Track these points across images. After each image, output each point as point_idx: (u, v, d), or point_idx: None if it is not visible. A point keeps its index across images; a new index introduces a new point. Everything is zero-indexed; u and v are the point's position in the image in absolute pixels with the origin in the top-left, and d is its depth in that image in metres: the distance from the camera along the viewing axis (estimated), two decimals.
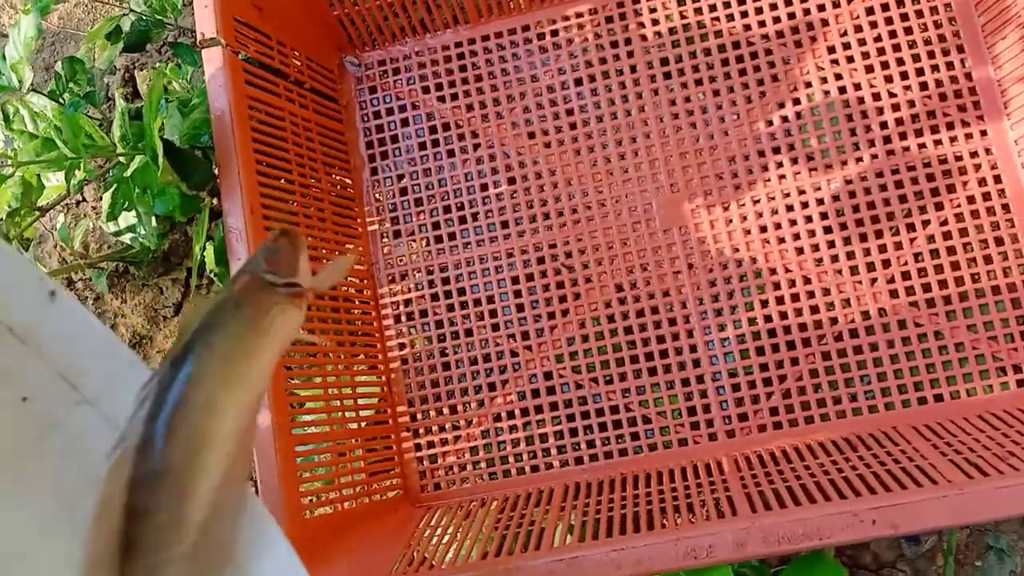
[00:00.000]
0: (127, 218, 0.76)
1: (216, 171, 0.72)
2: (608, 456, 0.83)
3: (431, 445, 0.86)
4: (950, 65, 0.82)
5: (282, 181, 0.79)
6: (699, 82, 0.87)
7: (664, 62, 0.87)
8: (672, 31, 0.88)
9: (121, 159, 0.73)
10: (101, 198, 0.79)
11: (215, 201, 0.76)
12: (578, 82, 0.89)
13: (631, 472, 0.81)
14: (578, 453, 0.83)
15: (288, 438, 0.71)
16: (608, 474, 0.82)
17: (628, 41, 0.88)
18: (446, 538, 0.75)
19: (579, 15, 0.90)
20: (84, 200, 0.98)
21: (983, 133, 0.81)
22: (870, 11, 0.84)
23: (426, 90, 0.92)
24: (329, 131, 0.89)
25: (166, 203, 0.72)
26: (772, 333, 0.82)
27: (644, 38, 0.88)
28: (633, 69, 0.88)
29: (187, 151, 0.73)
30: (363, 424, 0.83)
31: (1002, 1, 0.77)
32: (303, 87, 0.87)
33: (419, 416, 0.87)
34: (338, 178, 0.90)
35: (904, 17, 0.84)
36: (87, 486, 0.34)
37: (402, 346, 0.88)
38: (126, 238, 0.80)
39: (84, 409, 0.36)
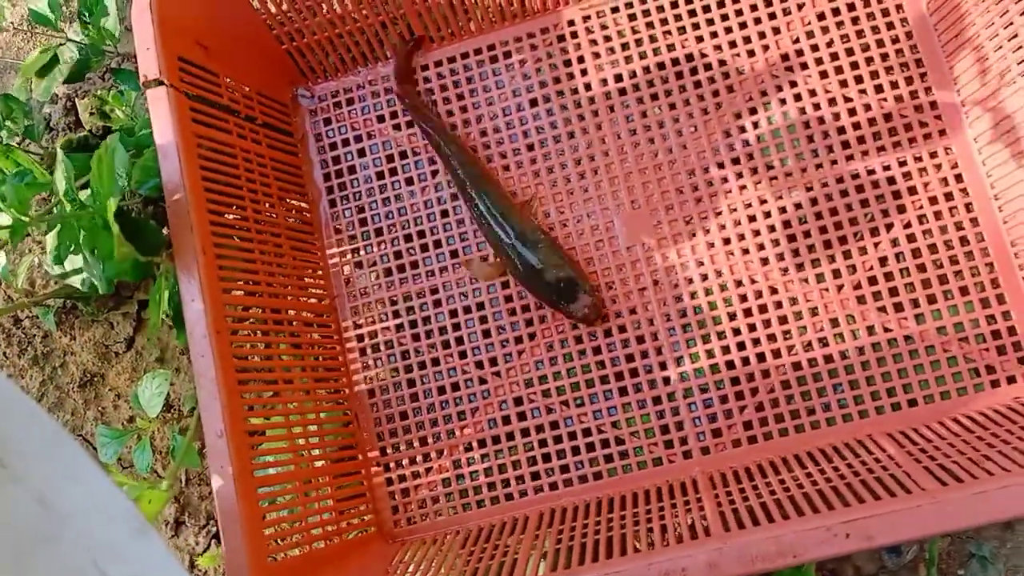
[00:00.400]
0: (74, 260, 0.75)
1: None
2: (583, 480, 0.81)
3: (402, 479, 0.85)
4: (904, 67, 0.82)
5: (234, 219, 0.78)
6: (654, 96, 0.86)
7: (618, 78, 0.87)
8: (624, 46, 0.87)
9: (66, 203, 0.71)
10: (46, 234, 0.77)
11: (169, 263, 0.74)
12: (533, 103, 0.88)
13: (606, 495, 0.80)
14: (552, 479, 0.82)
15: (249, 481, 0.70)
16: (583, 498, 0.80)
17: (581, 59, 0.88)
18: (420, 575, 0.73)
19: (531, 35, 0.89)
20: (28, 234, 0.96)
21: (942, 133, 0.80)
22: (821, 16, 0.84)
23: (381, 119, 0.91)
24: (284, 164, 0.88)
25: (117, 268, 0.70)
26: (742, 346, 0.81)
27: (597, 55, 0.87)
28: (588, 87, 0.87)
29: (139, 220, 0.71)
30: (331, 461, 0.81)
31: (959, 22, 0.77)
32: (255, 122, 0.85)
33: (389, 449, 0.85)
34: (295, 212, 0.89)
35: (855, 21, 0.83)
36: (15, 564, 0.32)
37: (368, 379, 0.87)
38: (74, 280, 0.78)
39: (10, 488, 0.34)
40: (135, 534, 0.32)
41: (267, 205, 0.83)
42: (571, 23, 0.88)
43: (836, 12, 0.83)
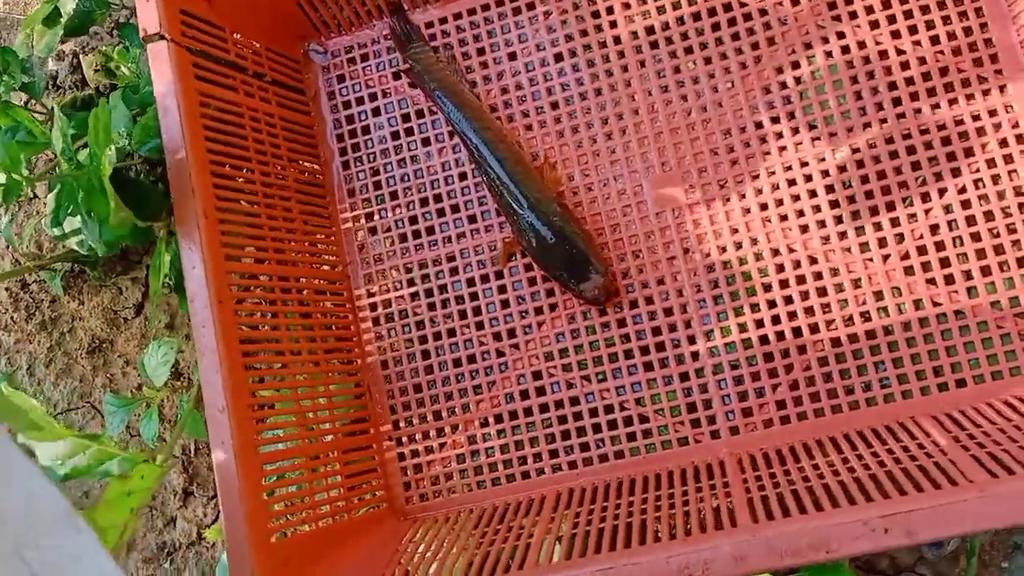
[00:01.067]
0: (72, 222, 0.72)
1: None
2: (603, 459, 0.77)
3: (415, 454, 0.81)
4: (963, 15, 0.75)
5: (241, 181, 0.74)
6: (688, 50, 0.80)
7: (650, 30, 0.81)
8: None
9: (63, 162, 0.68)
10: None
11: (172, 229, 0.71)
12: (558, 58, 0.83)
13: (627, 476, 0.75)
14: (571, 457, 0.78)
15: (252, 457, 0.67)
16: (603, 478, 0.76)
17: (610, 10, 0.82)
18: (430, 554, 0.70)
19: None
20: (36, 197, 0.94)
21: (1002, 88, 0.73)
22: None
23: (397, 76, 0.86)
24: (295, 124, 0.84)
25: (115, 233, 0.67)
26: (776, 320, 0.75)
27: (627, 5, 0.81)
28: (617, 40, 0.81)
29: (140, 182, 0.68)
30: (342, 435, 0.78)
31: None
32: (263, 79, 0.81)
33: (402, 423, 0.82)
34: (307, 174, 0.85)
35: None
36: None
37: (381, 349, 0.83)
38: (73, 243, 0.75)
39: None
40: (65, 527, 0.29)
41: (276, 167, 0.79)
42: None
43: None
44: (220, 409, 0.66)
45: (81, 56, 0.92)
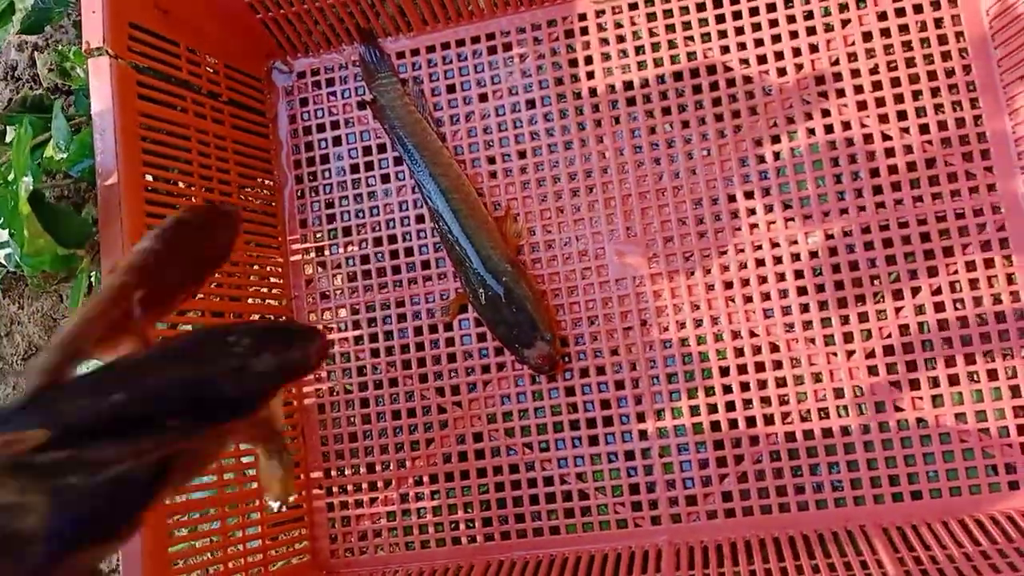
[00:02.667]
0: (2, 233, 0.68)
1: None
2: (537, 533, 0.73)
3: (344, 506, 0.78)
4: (957, 106, 0.70)
5: (180, 208, 0.70)
6: (666, 111, 0.76)
7: (628, 85, 0.76)
8: (639, 49, 0.76)
9: None
10: None
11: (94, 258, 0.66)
12: (530, 104, 0.78)
13: (560, 553, 0.72)
14: (504, 527, 0.74)
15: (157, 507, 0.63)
16: (535, 553, 0.73)
17: (589, 60, 0.77)
18: None
19: (536, 27, 0.79)
20: None
21: (991, 187, 0.69)
22: (867, 36, 0.72)
23: (362, 105, 0.81)
24: (250, 147, 0.80)
25: (35, 262, 0.63)
26: (731, 406, 0.72)
27: (607, 56, 0.77)
28: (593, 92, 0.77)
29: (59, 208, 0.64)
30: None
31: None
32: (218, 99, 0.77)
33: (333, 472, 0.78)
34: (259, 200, 0.81)
35: (907, 46, 0.72)
36: None
37: (320, 392, 0.79)
38: (1, 257, 0.71)
39: None
40: None
41: (222, 193, 0.75)
42: (582, 17, 0.78)
43: (885, 33, 0.72)
44: None
45: (36, 54, 0.88)
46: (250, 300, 0.77)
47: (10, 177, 0.65)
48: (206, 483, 0.68)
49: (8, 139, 0.69)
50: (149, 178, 0.68)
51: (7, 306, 0.89)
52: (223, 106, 0.77)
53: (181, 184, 0.71)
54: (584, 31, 0.78)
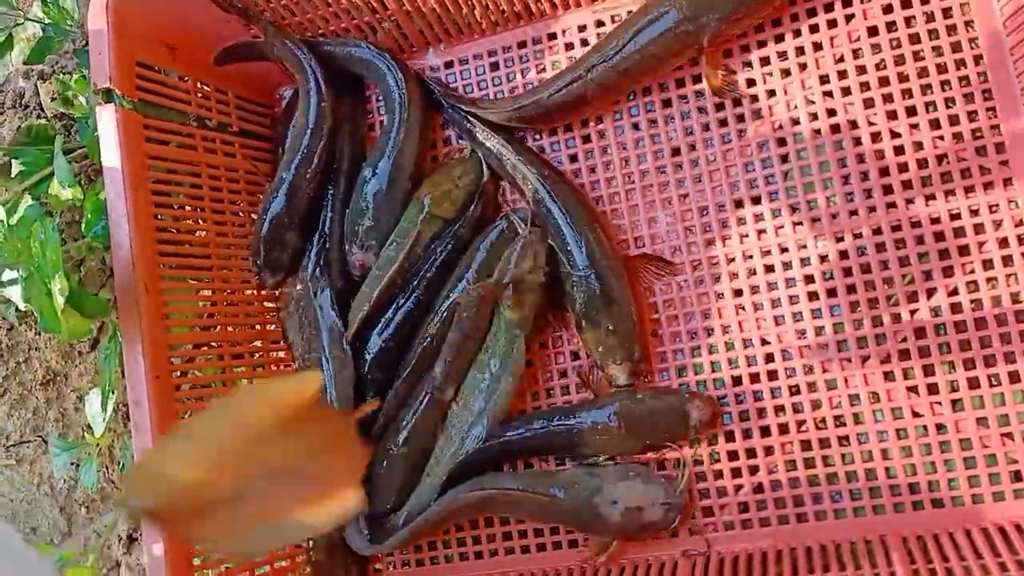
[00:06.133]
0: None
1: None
2: (556, 547, 0.74)
3: None
4: (969, 98, 0.68)
5: (191, 246, 0.72)
6: (668, 119, 0.75)
7: (630, 96, 0.76)
8: None
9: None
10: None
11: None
12: None
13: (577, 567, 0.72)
14: (524, 541, 0.75)
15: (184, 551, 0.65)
16: (541, 568, 0.73)
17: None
18: None
19: (536, 40, 0.78)
20: None
21: (1007, 182, 0.66)
22: (873, 31, 0.70)
23: (371, 127, 0.82)
24: (263, 176, 0.81)
25: (68, 336, 0.66)
26: (744, 416, 0.71)
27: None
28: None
29: (84, 293, 0.67)
30: None
31: None
32: (228, 130, 0.79)
33: None
34: None
35: (915, 39, 0.69)
36: None
37: None
38: (13, 292, 0.72)
39: None
40: None
41: (233, 224, 0.77)
42: (582, 28, 0.77)
43: (891, 27, 0.70)
44: None
45: (39, 83, 0.91)
46: (267, 327, 0.79)
47: (35, 251, 0.66)
48: None
49: (13, 173, 0.72)
50: (160, 219, 0.70)
51: (24, 332, 0.92)
52: (234, 138, 0.79)
53: (191, 222, 0.73)
54: (585, 42, 0.77)
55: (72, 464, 0.83)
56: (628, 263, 0.72)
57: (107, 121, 0.67)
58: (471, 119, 0.76)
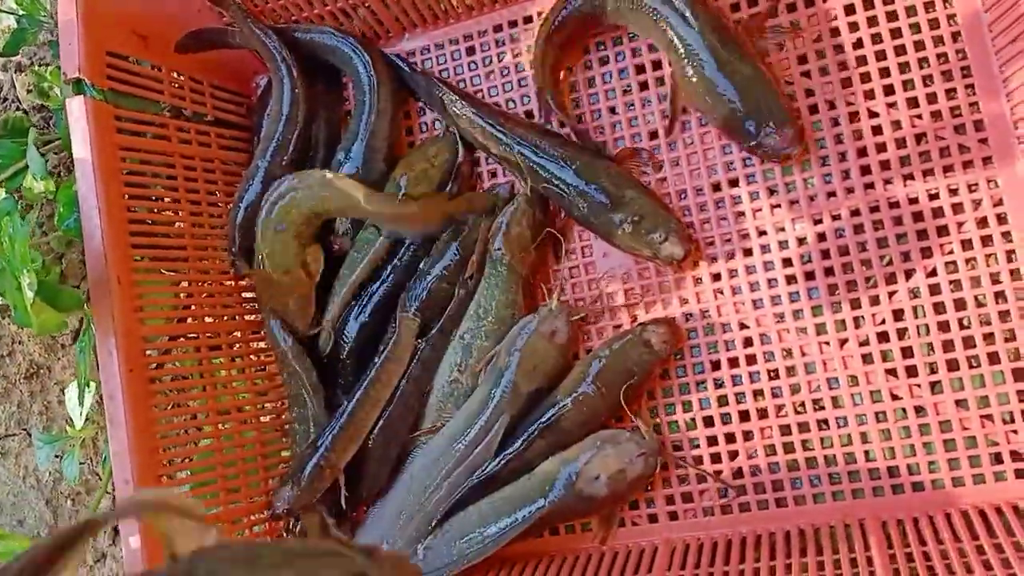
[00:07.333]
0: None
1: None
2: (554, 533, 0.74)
3: None
4: (947, 75, 0.67)
5: (166, 237, 0.72)
6: (646, 102, 0.74)
7: (606, 77, 0.75)
8: (616, 40, 0.75)
9: None
10: None
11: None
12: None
13: (559, 552, 0.72)
14: None
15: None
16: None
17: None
18: None
19: (512, 24, 0.78)
20: None
21: (986, 161, 0.66)
22: (850, 9, 0.69)
23: (349, 115, 0.82)
24: (237, 165, 0.81)
25: (41, 329, 0.66)
26: (723, 400, 0.70)
27: (585, 50, 0.76)
28: (573, 87, 0.76)
29: (55, 287, 0.67)
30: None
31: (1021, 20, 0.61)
32: (203, 119, 0.78)
33: None
34: None
35: (892, 16, 0.68)
36: None
37: None
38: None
39: None
40: None
41: (209, 215, 0.77)
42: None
43: (868, 4, 0.69)
44: (125, 481, 0.65)
45: (16, 75, 0.91)
46: (245, 317, 0.79)
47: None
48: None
49: None
50: (134, 211, 0.69)
51: (7, 325, 0.92)
52: (209, 127, 0.79)
53: (168, 212, 0.73)
54: None
55: (56, 457, 0.83)
56: (619, 163, 0.72)
57: (77, 112, 0.67)
58: (442, 89, 0.75)
